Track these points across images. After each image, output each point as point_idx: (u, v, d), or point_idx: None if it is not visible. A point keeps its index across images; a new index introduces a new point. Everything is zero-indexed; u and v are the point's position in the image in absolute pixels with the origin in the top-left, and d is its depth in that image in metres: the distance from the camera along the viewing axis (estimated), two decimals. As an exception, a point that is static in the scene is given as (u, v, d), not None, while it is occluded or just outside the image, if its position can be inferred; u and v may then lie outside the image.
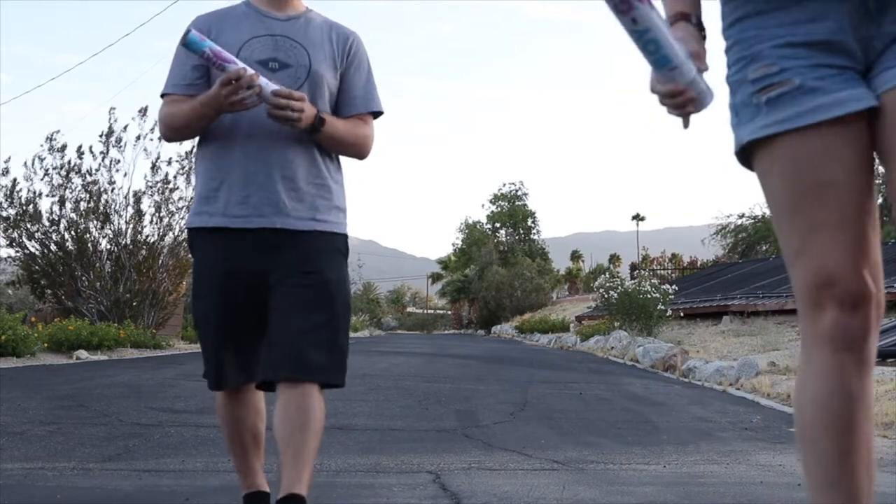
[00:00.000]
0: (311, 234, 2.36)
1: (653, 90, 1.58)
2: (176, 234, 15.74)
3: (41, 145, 15.40)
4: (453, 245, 45.37)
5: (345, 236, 2.46)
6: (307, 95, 2.30)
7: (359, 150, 2.47)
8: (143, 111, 15.40)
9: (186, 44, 2.20)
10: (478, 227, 44.11)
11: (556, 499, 3.23)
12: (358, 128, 2.44)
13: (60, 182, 15.27)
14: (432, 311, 45.70)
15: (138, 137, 15.51)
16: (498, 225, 44.25)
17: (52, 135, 15.52)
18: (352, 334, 25.38)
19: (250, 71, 2.21)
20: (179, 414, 5.51)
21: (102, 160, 15.37)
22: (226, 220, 2.34)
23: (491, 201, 44.89)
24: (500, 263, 36.25)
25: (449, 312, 43.65)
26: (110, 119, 15.40)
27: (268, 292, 2.34)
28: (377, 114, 2.52)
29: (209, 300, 2.40)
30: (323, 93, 2.39)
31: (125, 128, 15.49)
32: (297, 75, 2.35)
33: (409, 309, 46.57)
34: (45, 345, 11.18)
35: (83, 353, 11.16)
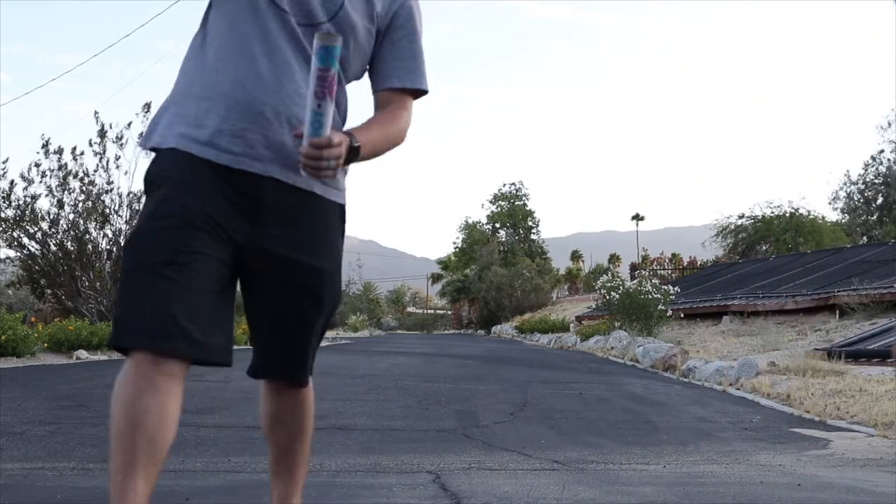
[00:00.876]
0: (314, 199, 1.93)
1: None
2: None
3: (37, 152, 15.38)
4: (453, 245, 45.39)
5: (344, 208, 2.05)
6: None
7: (393, 148, 2.03)
8: (147, 107, 15.40)
9: (330, 48, 1.72)
10: (478, 227, 44.11)
11: (556, 499, 3.23)
12: (393, 123, 2.00)
13: (58, 184, 15.27)
14: (432, 311, 45.70)
15: (141, 135, 15.52)
16: (498, 225, 44.25)
17: (46, 140, 15.53)
18: (352, 334, 25.49)
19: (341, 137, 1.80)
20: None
21: (100, 160, 15.37)
22: (211, 153, 1.84)
23: (491, 201, 44.91)
24: (500, 263, 36.24)
25: (449, 312, 43.64)
26: (97, 123, 15.39)
27: (243, 261, 1.89)
28: (419, 92, 2.05)
29: (164, 235, 1.78)
30: (349, 47, 1.92)
31: (129, 124, 15.47)
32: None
33: (409, 309, 46.56)
34: (45, 345, 11.17)
35: (83, 353, 11.15)
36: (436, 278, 47.18)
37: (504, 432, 5.16)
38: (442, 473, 3.77)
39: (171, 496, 3.15)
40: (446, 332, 36.11)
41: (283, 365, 2.03)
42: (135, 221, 15.31)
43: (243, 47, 1.88)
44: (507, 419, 5.75)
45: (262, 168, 1.86)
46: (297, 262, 1.92)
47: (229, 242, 1.86)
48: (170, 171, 1.87)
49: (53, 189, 15.25)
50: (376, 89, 2.04)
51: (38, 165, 15.36)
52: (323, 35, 1.71)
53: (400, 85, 2.01)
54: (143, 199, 1.96)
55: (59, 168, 15.28)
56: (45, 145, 15.40)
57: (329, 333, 23.41)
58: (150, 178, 1.90)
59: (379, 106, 2.04)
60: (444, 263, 45.76)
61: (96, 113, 15.54)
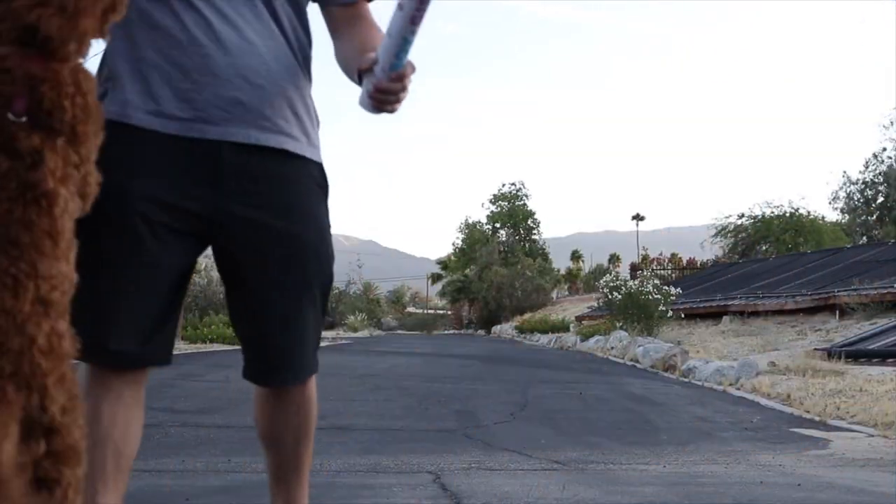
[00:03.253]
0: (283, 157, 1.72)
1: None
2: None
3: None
4: (453, 245, 45.39)
5: (322, 166, 1.84)
6: None
7: None
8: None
9: None
10: (478, 227, 44.11)
11: (556, 499, 3.23)
12: (361, 34, 1.82)
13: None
14: (432, 312, 45.70)
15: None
16: (498, 225, 44.25)
17: None
18: (352, 334, 25.46)
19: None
20: (179, 414, 5.51)
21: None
22: (156, 122, 1.63)
23: (491, 201, 44.91)
24: (500, 263, 36.26)
25: (449, 312, 43.63)
26: None
27: (211, 239, 1.71)
28: None
29: (108, 230, 1.59)
30: None
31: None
32: None
33: (409, 309, 46.54)
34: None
35: (83, 354, 11.15)
36: (436, 278, 47.16)
37: (504, 432, 5.16)
38: (442, 473, 3.77)
39: (171, 496, 3.15)
40: (446, 332, 36.12)
41: (277, 363, 1.81)
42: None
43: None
44: (507, 419, 5.76)
45: (219, 132, 1.66)
46: (271, 228, 1.70)
47: (188, 223, 1.66)
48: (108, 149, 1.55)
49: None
50: (337, 3, 1.85)
51: None
52: None
53: None
54: None
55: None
56: None
57: (329, 333, 23.38)
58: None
59: (340, 21, 1.86)
60: (444, 263, 45.74)
61: None
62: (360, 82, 1.72)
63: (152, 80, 1.64)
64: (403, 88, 1.62)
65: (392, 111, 1.67)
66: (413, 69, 1.62)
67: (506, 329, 27.18)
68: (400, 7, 1.50)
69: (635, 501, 3.24)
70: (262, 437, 1.92)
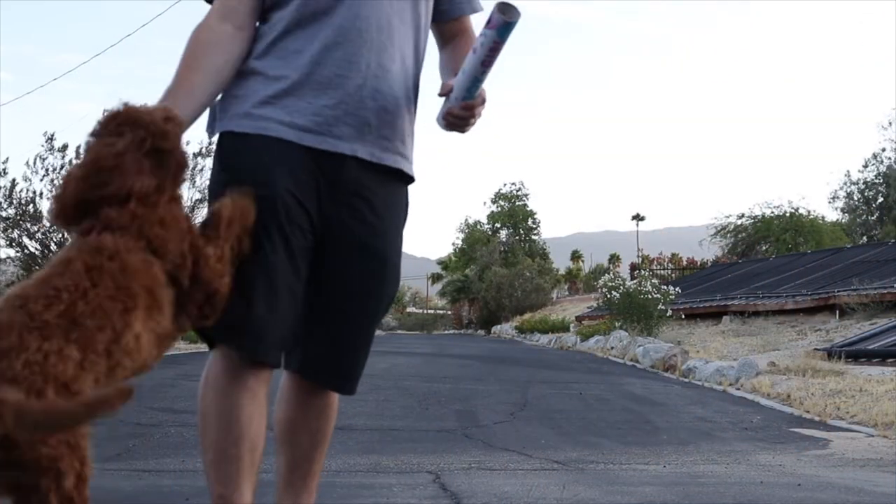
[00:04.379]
0: (396, 177, 1.89)
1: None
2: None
3: (42, 145, 15.39)
4: (453, 245, 45.38)
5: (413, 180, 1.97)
6: None
7: None
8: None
9: (511, 23, 1.68)
10: (478, 227, 44.10)
11: (556, 499, 3.23)
12: (461, 49, 1.94)
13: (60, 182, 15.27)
14: (432, 312, 45.70)
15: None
16: (498, 225, 44.24)
17: (51, 135, 15.52)
18: (352, 334, 25.38)
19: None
20: (179, 414, 5.51)
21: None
22: (291, 133, 1.78)
23: (492, 201, 44.90)
24: (500, 263, 36.25)
25: (449, 312, 43.62)
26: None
27: (321, 248, 1.82)
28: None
29: (269, 228, 1.73)
30: None
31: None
32: None
33: (409, 309, 46.56)
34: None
35: (83, 353, 11.15)
36: (436, 278, 47.18)
37: (504, 432, 5.16)
38: (442, 473, 3.77)
39: (171, 496, 3.15)
40: (446, 332, 36.11)
41: (335, 366, 1.88)
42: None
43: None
44: (507, 419, 5.76)
45: (347, 148, 1.80)
46: (369, 245, 1.84)
47: (311, 229, 1.80)
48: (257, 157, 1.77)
49: (56, 186, 15.26)
50: (441, 18, 1.99)
51: (43, 159, 15.35)
52: (504, 6, 1.65)
53: (471, 10, 2.01)
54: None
55: (62, 167, 15.28)
56: (50, 139, 15.38)
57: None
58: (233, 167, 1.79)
59: (448, 36, 2.01)
60: (444, 263, 45.75)
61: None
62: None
63: (294, 93, 1.77)
64: (473, 115, 1.82)
65: (463, 132, 1.88)
66: (483, 102, 1.82)
67: (506, 329, 27.18)
68: (474, 51, 1.72)
69: (635, 501, 3.24)
70: (280, 438, 1.96)
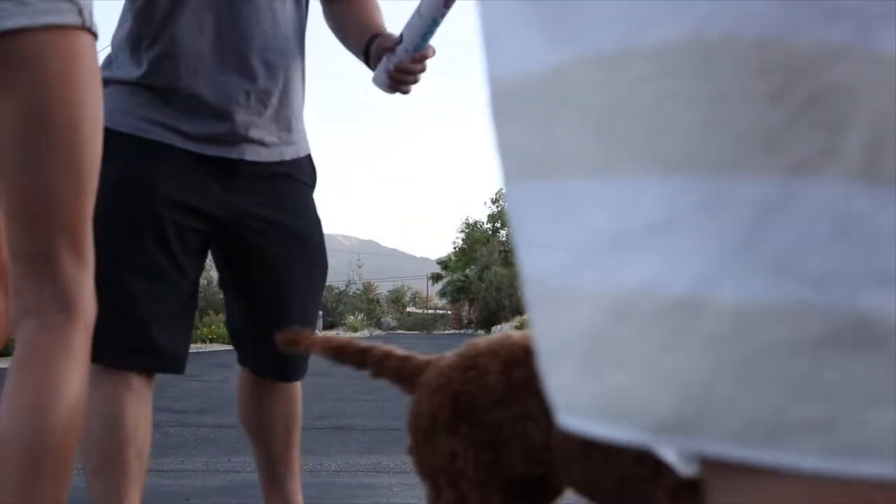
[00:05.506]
0: (285, 165, 1.85)
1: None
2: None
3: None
4: (453, 245, 45.41)
5: (311, 157, 1.94)
6: None
7: None
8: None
9: None
10: (478, 226, 44.12)
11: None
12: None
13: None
14: (432, 312, 45.74)
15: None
16: (499, 225, 44.28)
17: None
18: (351, 334, 25.44)
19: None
20: (179, 414, 5.51)
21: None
22: (176, 138, 1.73)
23: (492, 201, 44.91)
24: (500, 264, 36.28)
25: (449, 312, 43.66)
26: None
27: (222, 234, 1.80)
28: None
29: (144, 234, 1.67)
30: None
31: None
32: None
33: (409, 309, 46.59)
34: (45, 345, 11.16)
35: (83, 353, 11.15)
36: (436, 278, 47.20)
37: (504, 432, 5.15)
38: (442, 473, 3.76)
39: (171, 496, 3.15)
40: (446, 332, 36.13)
41: (279, 357, 1.80)
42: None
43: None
44: (507, 419, 5.75)
45: (237, 153, 1.76)
46: (281, 224, 1.81)
47: (207, 224, 1.76)
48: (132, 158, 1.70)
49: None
50: None
51: None
52: None
53: None
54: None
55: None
56: None
57: (329, 333, 23.36)
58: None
59: None
60: (444, 263, 45.76)
61: None
62: (364, 58, 1.75)
63: (174, 99, 1.71)
64: (424, 69, 1.66)
65: (407, 92, 1.71)
66: (434, 52, 1.65)
67: (506, 329, 27.22)
68: None
69: (635, 501, 3.24)
70: (253, 431, 1.96)
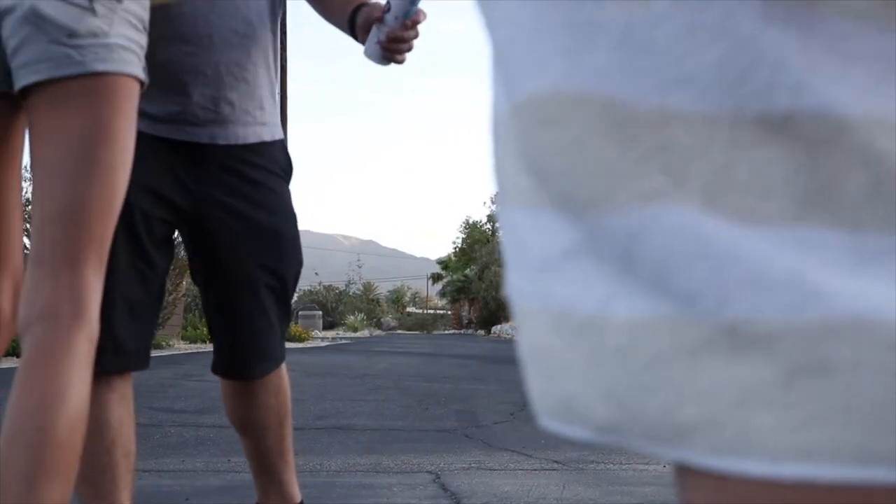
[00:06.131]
0: (259, 146, 1.77)
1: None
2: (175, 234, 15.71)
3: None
4: (453, 245, 45.41)
5: (284, 143, 1.86)
6: None
7: None
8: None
9: None
10: (478, 226, 44.13)
11: (556, 499, 3.23)
12: None
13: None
14: (432, 312, 45.75)
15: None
16: (499, 225, 44.27)
17: None
18: (351, 334, 25.46)
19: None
20: (179, 414, 5.51)
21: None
22: (141, 122, 1.59)
23: (492, 201, 44.90)
24: (500, 264, 36.25)
25: (449, 312, 43.67)
26: None
27: (190, 227, 1.75)
28: None
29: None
30: None
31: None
32: None
33: (409, 309, 46.60)
34: (45, 345, 11.17)
35: (83, 353, 11.15)
36: (436, 278, 47.23)
37: (504, 432, 5.16)
38: (442, 473, 3.77)
39: (171, 496, 3.15)
40: (446, 332, 36.14)
41: (263, 351, 1.79)
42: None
43: None
44: (507, 419, 5.76)
45: (207, 135, 1.68)
46: (250, 218, 1.73)
47: (175, 215, 1.70)
48: None
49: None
50: None
51: None
52: None
53: None
54: None
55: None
56: None
57: (329, 333, 23.40)
58: None
59: None
60: (444, 263, 45.79)
61: None
62: (350, 31, 1.68)
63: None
64: (416, 35, 1.58)
65: (402, 61, 1.65)
66: (425, 15, 1.60)
67: (506, 329, 27.20)
68: None
69: (635, 501, 3.24)
70: (245, 428, 1.89)
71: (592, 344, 0.32)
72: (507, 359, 12.60)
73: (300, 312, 24.63)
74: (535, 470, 3.97)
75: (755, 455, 0.29)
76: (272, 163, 1.78)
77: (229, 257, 1.75)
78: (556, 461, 4.24)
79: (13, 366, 6.89)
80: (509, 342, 21.25)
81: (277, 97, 1.81)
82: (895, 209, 0.29)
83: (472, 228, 44.08)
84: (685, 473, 0.32)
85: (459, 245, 44.25)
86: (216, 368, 1.88)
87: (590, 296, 0.32)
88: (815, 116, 0.29)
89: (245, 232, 1.73)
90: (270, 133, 1.77)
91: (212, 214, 1.72)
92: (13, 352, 10.06)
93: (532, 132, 0.33)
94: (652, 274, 0.30)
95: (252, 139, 1.72)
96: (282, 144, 1.82)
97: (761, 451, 0.28)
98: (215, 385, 7.23)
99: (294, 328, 18.16)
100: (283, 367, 1.90)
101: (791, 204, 0.29)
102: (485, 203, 46.88)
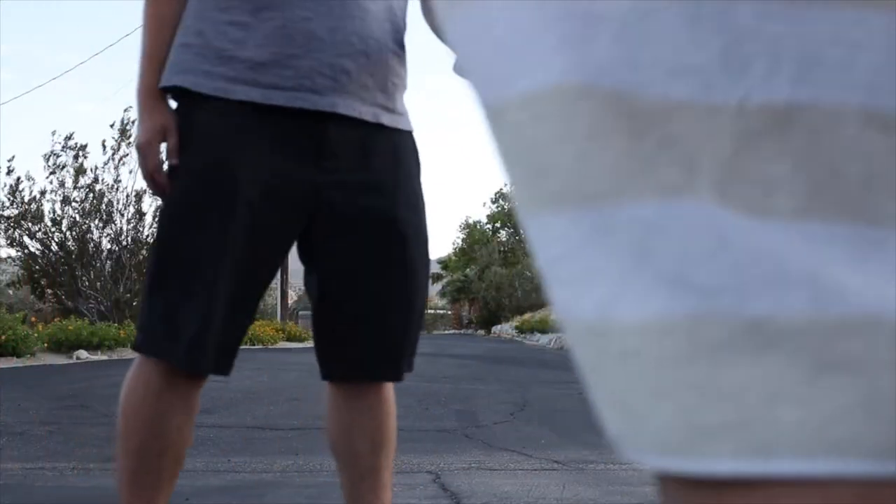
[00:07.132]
0: (381, 131, 1.59)
1: None
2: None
3: (59, 144, 15.30)
4: (453, 245, 45.41)
5: (413, 136, 1.70)
6: None
7: None
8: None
9: None
10: (478, 226, 44.14)
11: (556, 499, 3.23)
12: None
13: (70, 181, 15.21)
14: (432, 312, 45.76)
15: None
16: (498, 225, 44.28)
17: (69, 134, 15.49)
18: (352, 334, 25.39)
19: None
20: (179, 414, 5.51)
21: (112, 156, 15.31)
22: (256, 92, 1.49)
23: (492, 201, 44.93)
24: (500, 263, 36.28)
25: (449, 312, 43.67)
26: (121, 122, 15.28)
27: (317, 223, 1.56)
28: None
29: (218, 222, 1.47)
30: None
31: (133, 121, 15.46)
32: None
33: (410, 309, 46.55)
34: (45, 345, 11.18)
35: (83, 353, 11.16)
36: (436, 278, 47.24)
37: (504, 432, 5.16)
38: (442, 473, 3.77)
39: (170, 496, 3.15)
40: (446, 332, 36.15)
41: (373, 356, 1.62)
42: (139, 223, 15.32)
43: None
44: (507, 419, 5.76)
45: (328, 103, 1.51)
46: (376, 209, 1.57)
47: (293, 209, 1.53)
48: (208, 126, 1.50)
49: (66, 184, 15.19)
50: None
51: (57, 156, 15.28)
52: None
53: None
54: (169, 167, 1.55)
55: (71, 165, 15.24)
56: (68, 138, 15.30)
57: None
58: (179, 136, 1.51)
59: None
60: (445, 263, 45.80)
61: (126, 110, 15.48)
62: None
63: (249, 45, 1.48)
64: None
65: None
66: None
67: (506, 329, 27.21)
68: None
69: (635, 501, 3.24)
70: (339, 449, 1.74)
71: (597, 350, 0.31)
72: (507, 359, 12.60)
73: (300, 312, 24.63)
74: (535, 470, 3.97)
75: (783, 453, 0.28)
76: (401, 150, 1.64)
77: (358, 254, 1.59)
78: (556, 461, 4.24)
79: (13, 366, 6.99)
80: (509, 342, 21.25)
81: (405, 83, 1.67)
82: (889, 201, 0.29)
83: (472, 228, 44.11)
84: (683, 491, 0.31)
85: (459, 245, 44.28)
86: (355, 370, 1.65)
87: (588, 300, 0.31)
88: (814, 107, 0.29)
89: (368, 225, 1.58)
90: (396, 122, 1.62)
91: (332, 206, 1.56)
92: (13, 352, 10.07)
93: (527, 128, 0.32)
94: (669, 268, 0.29)
95: (368, 117, 1.56)
96: (412, 137, 1.67)
97: (790, 449, 0.28)
98: (216, 385, 7.28)
99: (294, 328, 18.18)
100: (390, 390, 1.71)
101: (797, 197, 0.29)
102: (485, 203, 46.89)
